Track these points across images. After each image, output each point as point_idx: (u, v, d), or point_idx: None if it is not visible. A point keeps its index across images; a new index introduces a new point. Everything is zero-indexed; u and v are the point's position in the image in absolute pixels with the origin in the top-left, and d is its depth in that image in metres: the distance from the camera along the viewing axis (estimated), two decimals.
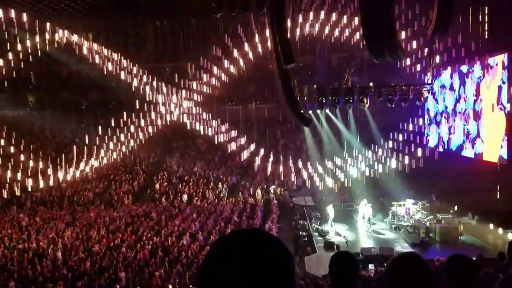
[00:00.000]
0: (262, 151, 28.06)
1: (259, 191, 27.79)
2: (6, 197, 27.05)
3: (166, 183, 29.38)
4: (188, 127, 30.26)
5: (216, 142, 29.28)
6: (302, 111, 18.17)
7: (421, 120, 27.06)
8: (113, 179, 29.83)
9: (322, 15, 23.37)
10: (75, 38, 27.26)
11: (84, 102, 34.88)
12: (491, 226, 19.71)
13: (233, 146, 27.71)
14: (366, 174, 24.45)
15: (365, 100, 18.60)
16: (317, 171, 26.62)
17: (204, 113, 30.92)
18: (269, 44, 23.75)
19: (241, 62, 28.14)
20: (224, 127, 28.85)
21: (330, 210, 21.51)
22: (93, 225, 22.42)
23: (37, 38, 25.70)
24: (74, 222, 23.31)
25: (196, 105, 32.15)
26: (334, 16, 23.85)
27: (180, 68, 35.37)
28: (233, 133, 28.30)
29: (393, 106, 19.01)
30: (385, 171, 24.05)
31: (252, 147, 28.46)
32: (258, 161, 27.45)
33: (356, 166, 25.42)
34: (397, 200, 22.49)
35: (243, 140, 28.36)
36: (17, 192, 25.57)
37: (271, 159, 28.28)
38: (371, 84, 20.28)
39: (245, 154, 28.12)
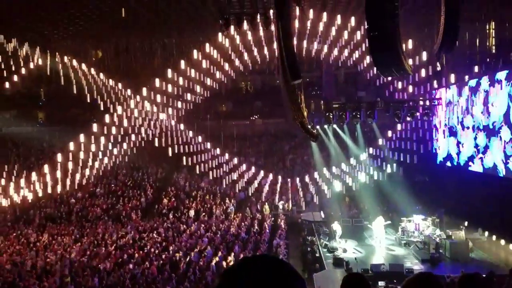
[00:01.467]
0: (269, 166, 28.07)
1: (267, 206, 27.69)
2: (16, 213, 27.25)
3: (173, 199, 29.38)
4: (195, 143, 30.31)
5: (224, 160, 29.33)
6: (309, 126, 18.21)
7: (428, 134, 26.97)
8: (121, 195, 29.90)
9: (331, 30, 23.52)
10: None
11: (94, 119, 35.19)
12: (503, 242, 19.40)
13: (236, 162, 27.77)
14: (373, 186, 24.35)
15: (373, 116, 18.61)
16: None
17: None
18: (275, 59, 23.95)
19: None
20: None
21: (337, 227, 21.36)
22: (101, 241, 22.41)
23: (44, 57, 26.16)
24: (82, 238, 23.30)
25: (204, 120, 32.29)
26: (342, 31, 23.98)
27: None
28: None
29: (401, 121, 19.00)
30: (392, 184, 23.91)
31: (259, 162, 28.50)
32: (265, 176, 27.44)
33: (364, 180, 25.33)
34: (406, 216, 22.28)
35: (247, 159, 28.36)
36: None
37: (278, 174, 28.27)
38: (378, 99, 20.32)
39: (252, 170, 28.17)
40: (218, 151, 29.62)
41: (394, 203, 25.05)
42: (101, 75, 29.25)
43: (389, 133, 26.44)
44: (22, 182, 26.04)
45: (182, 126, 30.71)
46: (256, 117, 38.05)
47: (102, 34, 27.59)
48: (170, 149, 27.72)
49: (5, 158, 29.88)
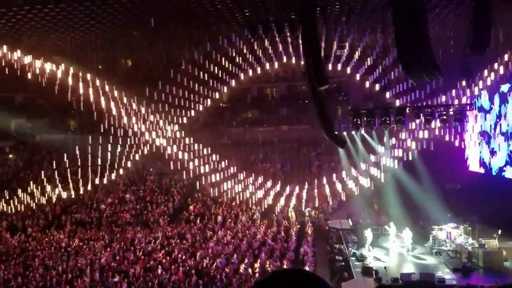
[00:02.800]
0: (295, 173, 27.92)
1: (293, 213, 27.50)
2: (48, 218, 28.01)
3: (200, 205, 29.57)
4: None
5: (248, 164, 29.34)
6: (336, 133, 18.03)
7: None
8: (149, 201, 30.32)
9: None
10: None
11: (123, 126, 35.93)
12: None
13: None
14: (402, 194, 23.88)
15: (402, 121, 18.27)
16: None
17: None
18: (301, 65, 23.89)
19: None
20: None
21: (368, 234, 21.00)
22: (130, 246, 22.74)
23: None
24: (111, 243, 23.71)
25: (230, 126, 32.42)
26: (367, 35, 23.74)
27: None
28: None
29: (431, 127, 18.59)
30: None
31: (285, 168, 28.39)
32: (291, 182, 27.29)
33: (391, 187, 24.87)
34: (437, 224, 21.72)
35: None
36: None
37: (305, 180, 28.07)
38: (408, 104, 19.96)
39: (277, 176, 28.09)
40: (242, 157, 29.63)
41: (424, 210, 24.48)
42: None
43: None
44: (55, 188, 26.76)
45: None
46: (282, 123, 38.02)
47: (129, 45, 28.14)
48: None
49: (39, 165, 30.79)
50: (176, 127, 29.44)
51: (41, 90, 29.34)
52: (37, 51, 24.75)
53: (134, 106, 28.54)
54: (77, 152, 28.51)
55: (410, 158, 25.66)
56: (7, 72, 26.30)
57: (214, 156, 29.35)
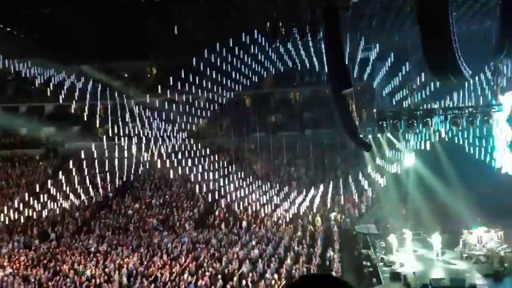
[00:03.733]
0: (320, 178, 27.70)
1: (318, 218, 27.23)
2: (78, 224, 28.64)
3: (225, 210, 29.65)
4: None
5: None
6: (361, 136, 17.81)
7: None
8: (175, 206, 30.59)
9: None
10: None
11: (148, 133, 36.52)
12: None
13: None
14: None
15: (430, 123, 17.88)
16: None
17: None
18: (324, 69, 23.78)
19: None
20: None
21: (393, 239, 20.62)
22: (157, 251, 23.00)
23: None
24: (139, 247, 24.02)
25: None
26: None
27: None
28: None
29: (459, 128, 18.14)
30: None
31: (310, 173, 28.22)
32: (316, 187, 27.09)
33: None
34: (468, 228, 21.14)
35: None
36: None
37: (330, 185, 27.82)
38: (435, 106, 19.55)
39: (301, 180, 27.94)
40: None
41: (454, 214, 23.86)
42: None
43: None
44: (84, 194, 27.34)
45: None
46: (306, 128, 37.85)
47: (156, 53, 28.76)
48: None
49: (68, 172, 31.43)
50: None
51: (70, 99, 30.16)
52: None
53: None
54: (105, 159, 29.15)
55: (437, 160, 25.15)
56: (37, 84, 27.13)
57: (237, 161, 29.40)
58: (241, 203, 28.20)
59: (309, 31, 15.80)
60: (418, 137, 26.05)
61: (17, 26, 25.05)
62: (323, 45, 16.62)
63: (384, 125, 18.50)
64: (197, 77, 29.62)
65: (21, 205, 27.76)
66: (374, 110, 22.84)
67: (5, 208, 28.66)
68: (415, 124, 18.41)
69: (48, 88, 32.47)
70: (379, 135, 24.22)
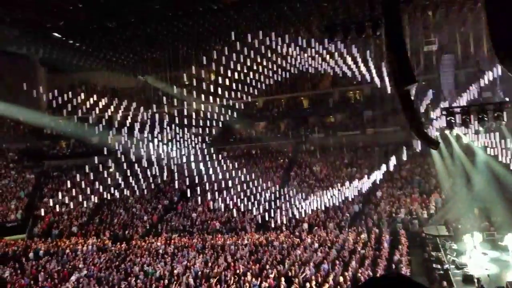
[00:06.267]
0: (384, 177, 26.83)
1: (383, 220, 26.37)
2: (146, 227, 29.81)
3: (285, 212, 29.52)
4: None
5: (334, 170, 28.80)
6: (427, 133, 17.01)
7: None
8: (236, 209, 30.94)
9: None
10: None
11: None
12: None
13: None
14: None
15: (502, 117, 16.71)
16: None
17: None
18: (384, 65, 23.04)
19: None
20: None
21: (469, 240, 19.49)
22: (221, 253, 23.37)
23: None
24: (204, 249, 24.54)
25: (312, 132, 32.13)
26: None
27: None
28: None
29: None
30: None
31: (375, 174, 27.42)
32: (380, 188, 26.24)
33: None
34: None
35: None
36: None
37: (395, 185, 26.84)
38: (507, 99, 18.27)
39: (366, 181, 27.20)
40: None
41: None
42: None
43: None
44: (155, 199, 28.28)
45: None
46: (368, 127, 36.92)
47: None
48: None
49: (136, 178, 32.83)
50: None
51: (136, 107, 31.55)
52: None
53: None
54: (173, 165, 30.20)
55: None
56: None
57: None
58: (301, 205, 27.98)
59: (368, 27, 15.34)
60: (488, 133, 24.53)
61: (82, 38, 26.63)
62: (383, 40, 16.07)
63: (452, 121, 17.54)
64: (253, 81, 29.77)
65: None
66: (441, 106, 21.80)
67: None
68: (486, 119, 17.30)
69: (115, 98, 34.10)
70: (447, 132, 23.01)
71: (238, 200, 29.46)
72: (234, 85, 30.43)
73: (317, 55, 27.59)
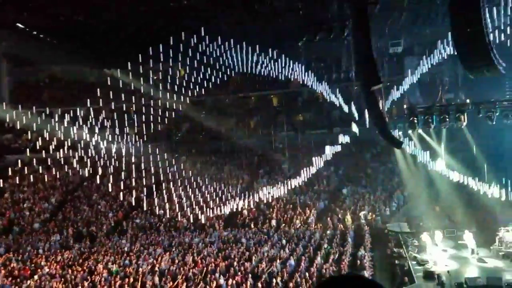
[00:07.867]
0: (350, 175, 27.37)
1: (348, 216, 26.94)
2: (112, 224, 29.29)
3: (254, 209, 29.69)
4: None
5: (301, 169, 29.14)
6: (391, 133, 17.50)
7: None
8: (206, 205, 30.84)
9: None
10: None
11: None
12: None
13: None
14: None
15: (462, 118, 17.41)
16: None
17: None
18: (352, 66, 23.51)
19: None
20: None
21: (426, 238, 20.20)
22: (188, 250, 23.25)
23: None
24: (170, 247, 24.35)
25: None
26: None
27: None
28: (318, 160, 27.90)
29: (494, 123, 17.58)
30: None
31: (340, 171, 27.92)
32: (346, 185, 26.77)
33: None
34: (504, 225, 20.48)
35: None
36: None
37: (360, 183, 27.46)
38: (468, 100, 19.02)
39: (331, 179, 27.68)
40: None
41: (489, 211, 23.16)
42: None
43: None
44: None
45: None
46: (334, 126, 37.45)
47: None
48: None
49: (104, 174, 32.18)
50: None
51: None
52: None
53: None
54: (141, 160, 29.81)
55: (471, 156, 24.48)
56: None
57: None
58: (270, 202, 28.19)
59: (336, 28, 15.66)
60: (449, 133, 25.43)
61: (51, 33, 25.91)
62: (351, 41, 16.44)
63: (415, 121, 18.15)
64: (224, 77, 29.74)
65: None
66: (405, 106, 22.43)
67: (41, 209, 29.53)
68: (447, 119, 17.96)
69: (80, 93, 33.33)
70: (410, 132, 23.73)
71: (208, 196, 29.39)
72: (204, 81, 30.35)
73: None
